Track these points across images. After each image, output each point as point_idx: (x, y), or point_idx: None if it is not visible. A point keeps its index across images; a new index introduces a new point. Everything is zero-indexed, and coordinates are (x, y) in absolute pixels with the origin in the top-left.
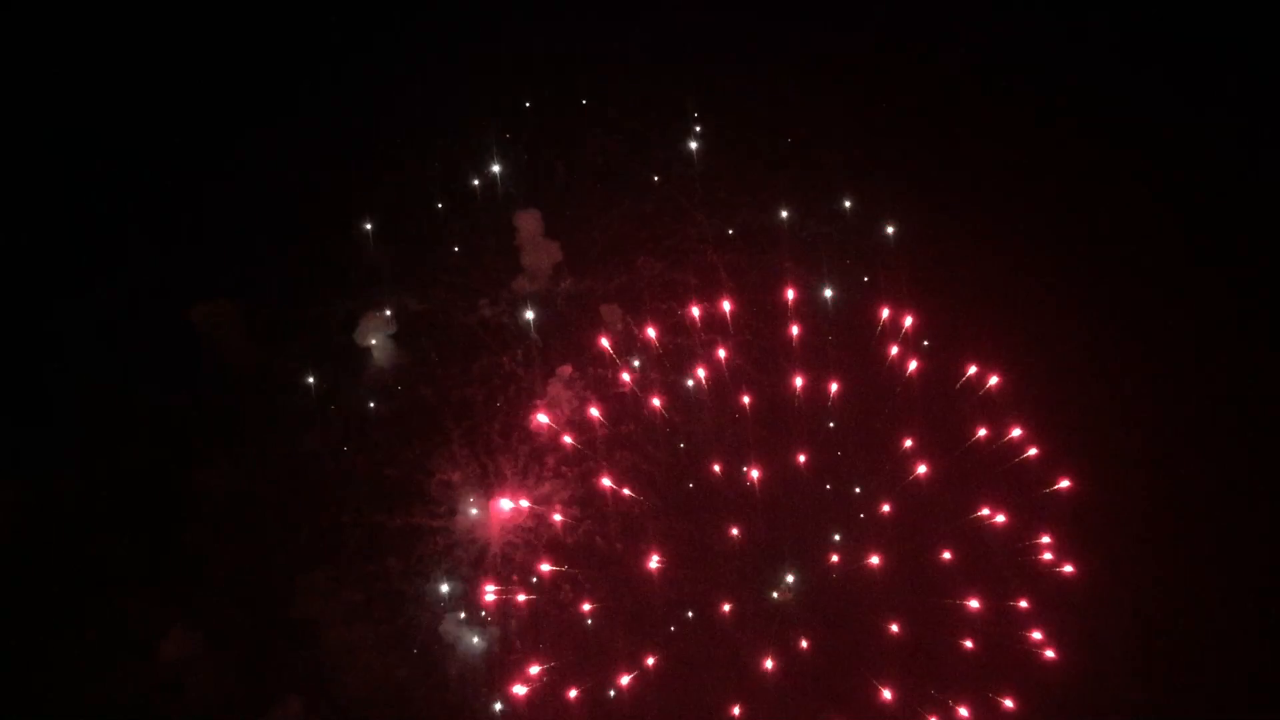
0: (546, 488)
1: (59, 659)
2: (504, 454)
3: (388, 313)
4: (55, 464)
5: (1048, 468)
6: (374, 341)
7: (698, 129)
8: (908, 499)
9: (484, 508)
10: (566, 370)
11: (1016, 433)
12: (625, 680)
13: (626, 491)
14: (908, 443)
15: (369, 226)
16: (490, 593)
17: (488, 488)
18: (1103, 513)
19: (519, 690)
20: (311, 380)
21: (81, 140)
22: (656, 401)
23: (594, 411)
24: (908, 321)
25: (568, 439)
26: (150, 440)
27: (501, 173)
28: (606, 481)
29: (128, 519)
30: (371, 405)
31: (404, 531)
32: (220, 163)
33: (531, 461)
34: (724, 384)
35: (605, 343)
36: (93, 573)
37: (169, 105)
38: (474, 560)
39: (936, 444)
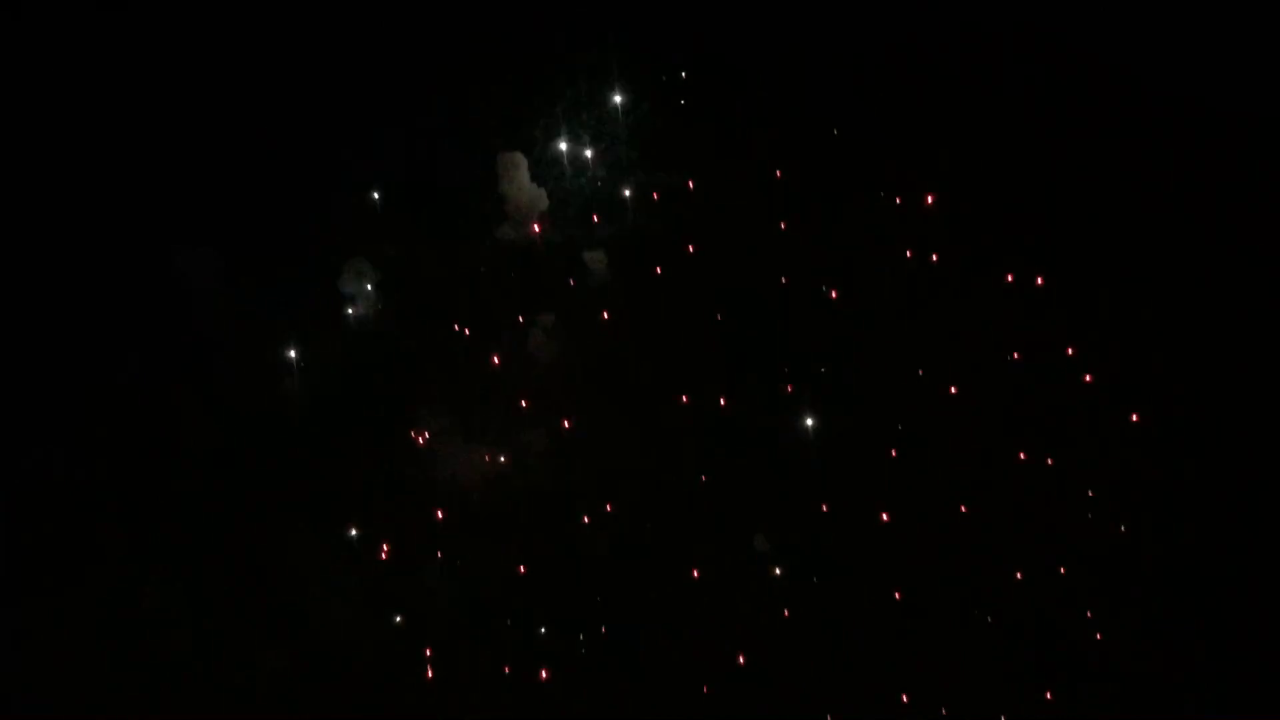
0: (525, 436)
1: (33, 605)
2: (485, 403)
3: (368, 262)
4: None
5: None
6: (355, 289)
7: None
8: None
9: (465, 457)
10: (549, 319)
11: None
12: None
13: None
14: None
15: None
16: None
17: (469, 437)
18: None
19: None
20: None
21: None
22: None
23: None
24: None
25: (546, 385)
26: (126, 390)
27: (486, 114)
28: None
29: (104, 468)
30: (352, 353)
31: (384, 481)
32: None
33: (512, 410)
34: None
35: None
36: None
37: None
38: (454, 508)
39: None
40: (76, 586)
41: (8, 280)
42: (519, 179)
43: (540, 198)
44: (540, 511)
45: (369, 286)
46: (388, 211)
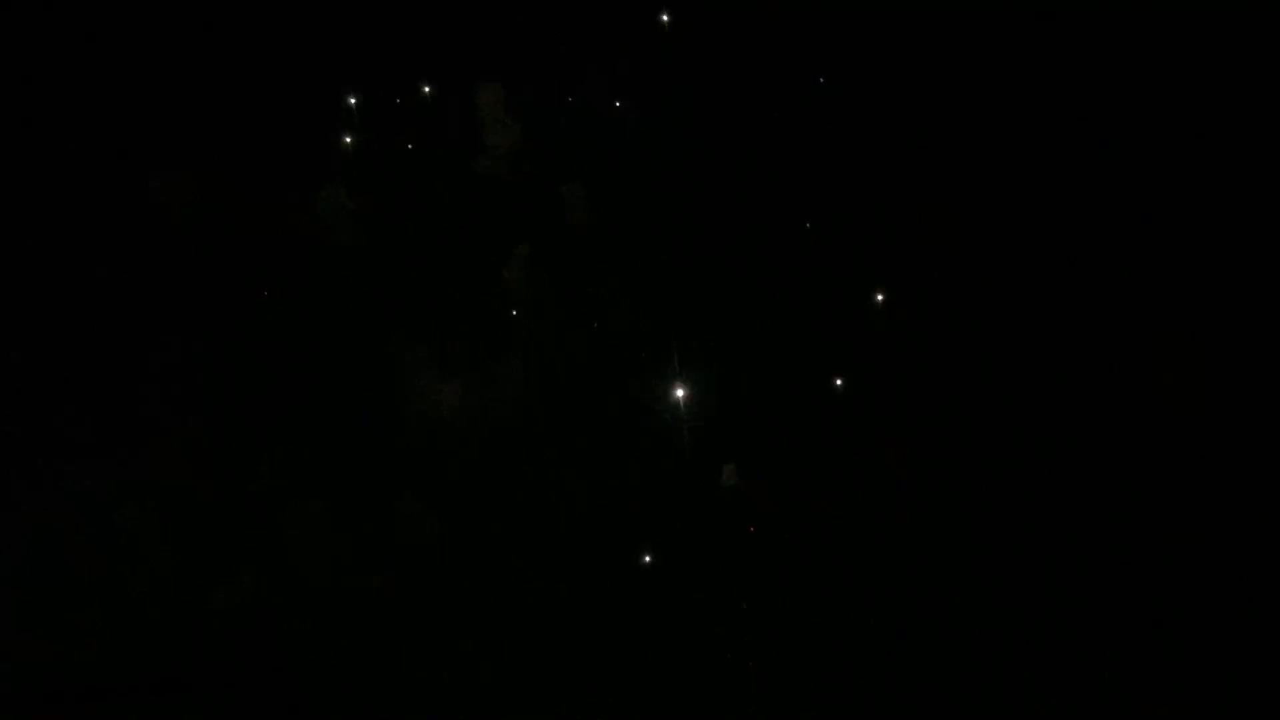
0: (499, 370)
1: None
2: (461, 337)
3: (344, 191)
4: None
5: None
6: (331, 218)
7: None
8: None
9: (441, 390)
10: (523, 250)
11: None
12: None
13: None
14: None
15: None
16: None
17: (445, 370)
18: None
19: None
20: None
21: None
22: None
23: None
24: None
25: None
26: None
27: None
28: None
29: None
30: (328, 286)
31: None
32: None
33: (487, 344)
34: None
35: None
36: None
37: None
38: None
39: None
40: None
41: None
42: (495, 109)
43: (515, 129)
44: (512, 448)
45: (346, 214)
46: (361, 138)
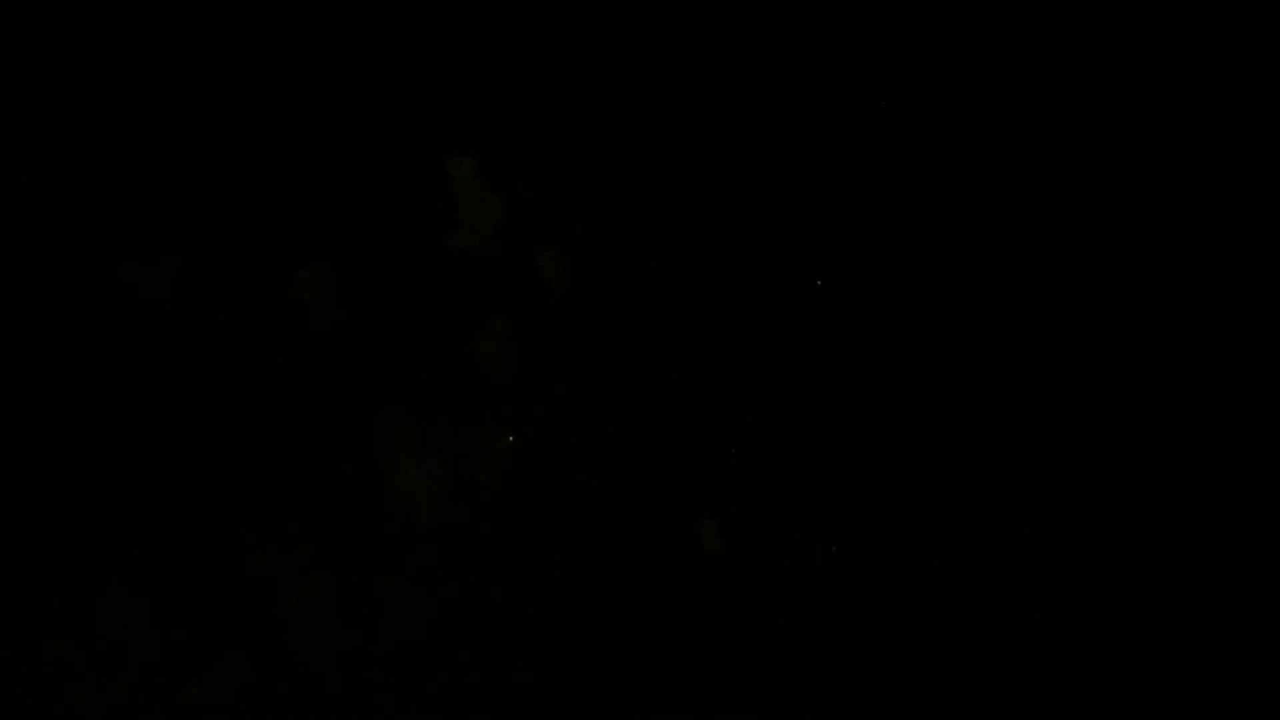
0: (477, 442)
1: None
2: (439, 413)
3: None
4: None
5: None
6: (310, 297)
7: None
8: None
9: (417, 466)
10: (498, 324)
11: None
12: None
13: None
14: None
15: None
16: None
17: (422, 444)
18: None
19: None
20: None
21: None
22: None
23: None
24: None
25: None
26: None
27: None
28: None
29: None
30: (303, 364)
31: (336, 489)
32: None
33: (461, 418)
34: None
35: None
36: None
37: None
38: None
39: None
40: None
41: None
42: (470, 183)
43: (492, 201)
44: (495, 524)
45: (325, 292)
46: (340, 215)
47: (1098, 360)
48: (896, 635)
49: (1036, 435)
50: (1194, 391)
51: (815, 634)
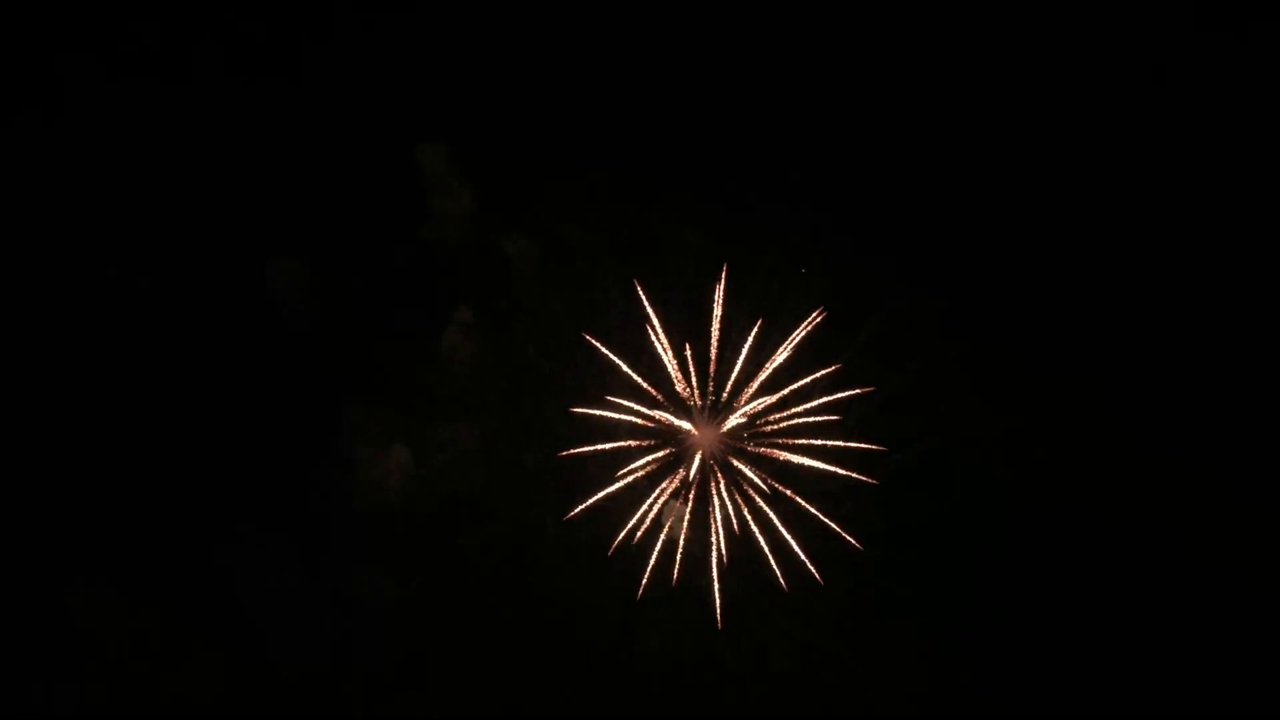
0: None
1: None
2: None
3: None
4: None
5: None
6: (286, 289)
7: None
8: None
9: (386, 458)
10: (465, 314)
11: None
12: None
13: None
14: None
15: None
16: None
17: (402, 436)
18: None
19: None
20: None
21: None
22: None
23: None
24: None
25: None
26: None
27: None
28: None
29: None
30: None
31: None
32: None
33: (436, 412)
34: None
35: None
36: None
37: None
38: (380, 511)
39: None
40: None
41: None
42: (441, 171)
43: (463, 193)
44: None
45: (300, 286)
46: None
47: None
48: None
49: None
50: None
51: None
